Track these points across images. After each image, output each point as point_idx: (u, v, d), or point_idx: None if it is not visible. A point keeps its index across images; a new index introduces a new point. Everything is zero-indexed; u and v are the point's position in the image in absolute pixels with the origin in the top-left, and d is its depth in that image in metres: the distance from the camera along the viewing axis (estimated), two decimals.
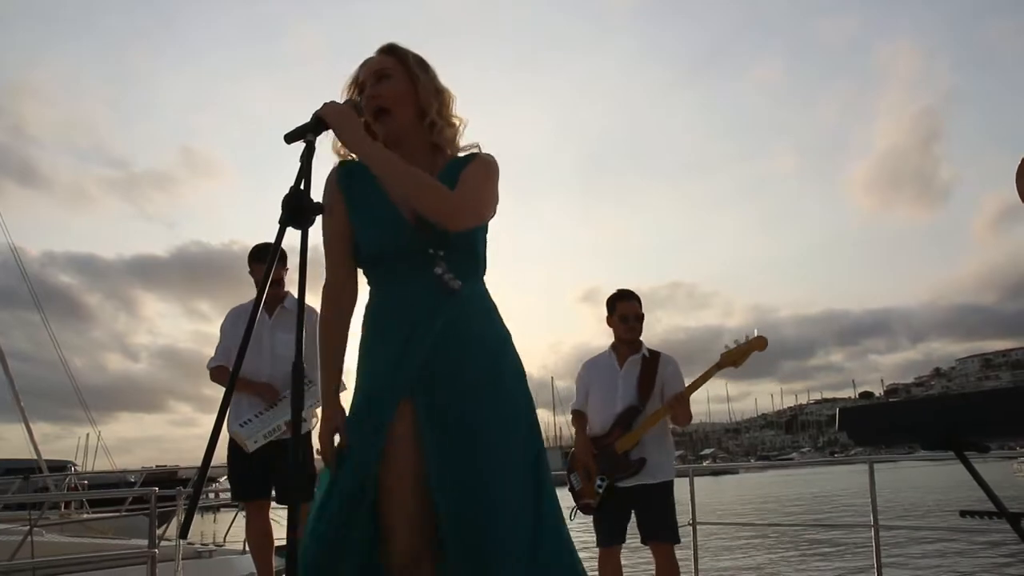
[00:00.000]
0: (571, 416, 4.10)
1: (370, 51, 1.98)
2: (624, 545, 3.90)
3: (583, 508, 3.90)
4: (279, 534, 4.04)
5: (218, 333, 4.33)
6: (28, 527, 4.97)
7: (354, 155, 1.88)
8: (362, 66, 1.94)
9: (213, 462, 1.60)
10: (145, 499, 5.61)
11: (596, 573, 3.76)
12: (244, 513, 4.53)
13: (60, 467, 13.92)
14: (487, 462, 1.73)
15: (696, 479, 5.53)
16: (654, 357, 3.98)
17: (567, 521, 1.89)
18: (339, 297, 1.90)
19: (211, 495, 7.75)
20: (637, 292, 4.07)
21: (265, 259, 4.09)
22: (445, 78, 1.98)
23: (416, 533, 1.72)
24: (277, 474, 3.97)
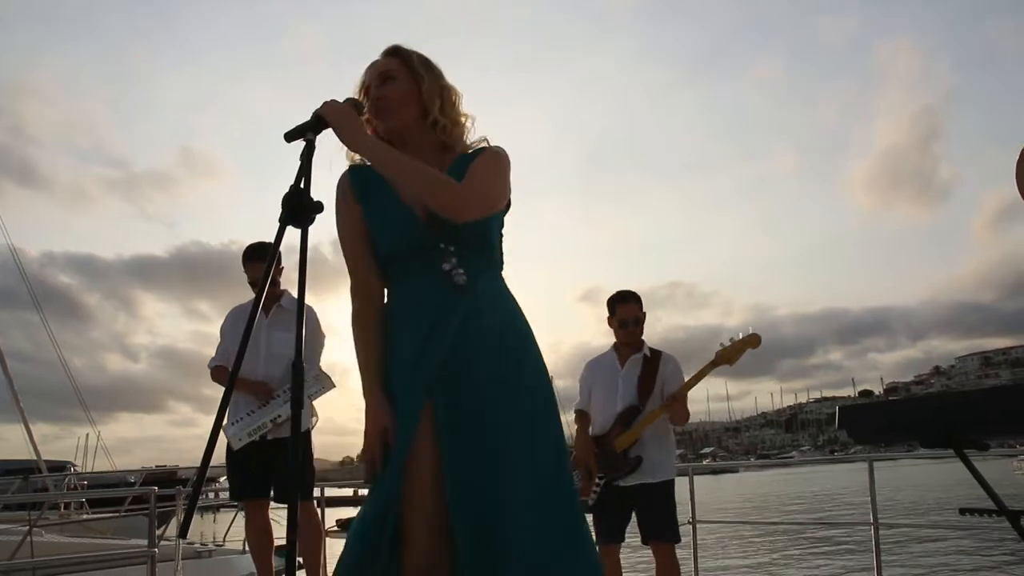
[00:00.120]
0: (574, 415, 4.11)
1: (370, 51, 1.99)
2: (624, 544, 3.91)
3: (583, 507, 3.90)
4: (279, 533, 4.03)
5: (218, 334, 4.33)
6: (28, 527, 4.96)
7: (361, 156, 1.88)
8: (368, 69, 1.94)
9: (213, 462, 1.59)
10: (145, 499, 5.61)
11: None
12: (244, 512, 4.53)
13: (59, 467, 13.91)
14: (498, 463, 1.71)
15: (696, 478, 5.53)
16: (655, 356, 3.98)
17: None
18: (365, 291, 1.89)
19: (211, 495, 7.76)
20: (637, 292, 4.07)
21: (260, 258, 4.08)
22: (446, 77, 1.97)
23: (435, 534, 1.70)
24: (276, 473, 3.96)
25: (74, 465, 17.08)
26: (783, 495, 31.12)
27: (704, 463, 36.96)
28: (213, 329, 4.42)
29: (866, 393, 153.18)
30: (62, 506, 8.78)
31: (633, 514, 3.85)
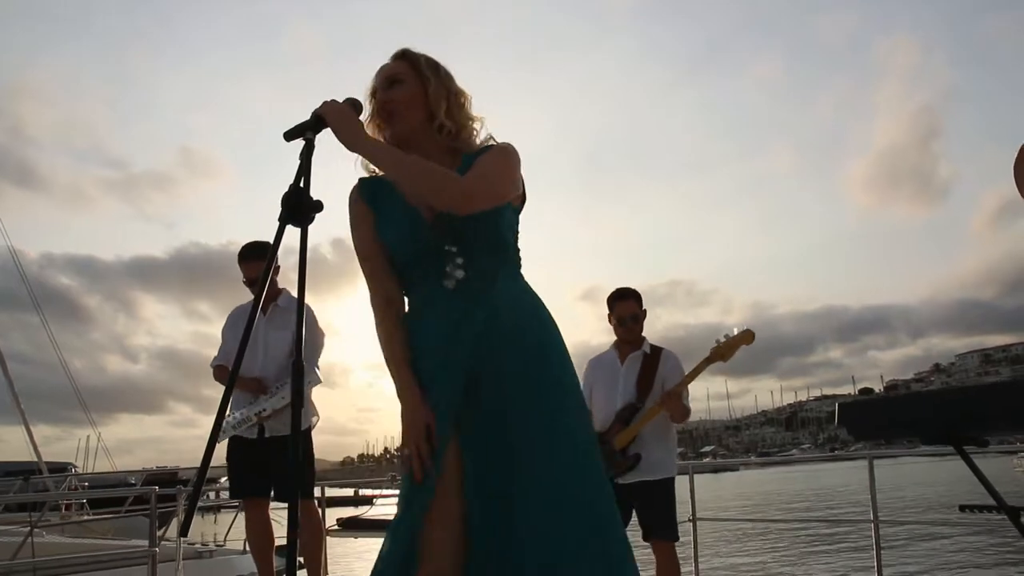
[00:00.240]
0: None
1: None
2: None
3: None
4: (279, 532, 4.03)
5: (218, 335, 4.33)
6: (29, 528, 4.97)
7: (375, 169, 1.87)
8: (377, 73, 1.93)
9: (213, 462, 1.59)
10: (145, 499, 5.62)
11: None
12: (244, 511, 4.53)
13: (60, 469, 13.92)
14: (516, 464, 1.69)
15: (696, 476, 5.54)
16: (655, 353, 3.98)
17: None
18: (384, 296, 1.86)
19: (211, 495, 7.76)
20: (637, 290, 4.07)
21: (256, 257, 4.07)
22: (456, 80, 1.95)
23: (456, 541, 1.69)
24: (276, 472, 3.96)
25: (75, 466, 17.10)
26: (784, 493, 31.14)
27: (704, 461, 36.99)
28: (213, 330, 4.46)
29: (866, 391, 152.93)
30: (63, 507, 8.79)
31: (633, 512, 3.85)
